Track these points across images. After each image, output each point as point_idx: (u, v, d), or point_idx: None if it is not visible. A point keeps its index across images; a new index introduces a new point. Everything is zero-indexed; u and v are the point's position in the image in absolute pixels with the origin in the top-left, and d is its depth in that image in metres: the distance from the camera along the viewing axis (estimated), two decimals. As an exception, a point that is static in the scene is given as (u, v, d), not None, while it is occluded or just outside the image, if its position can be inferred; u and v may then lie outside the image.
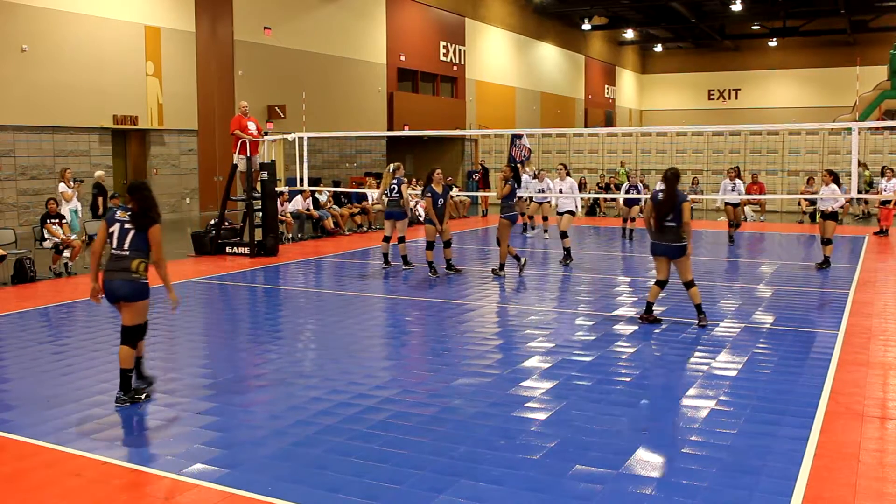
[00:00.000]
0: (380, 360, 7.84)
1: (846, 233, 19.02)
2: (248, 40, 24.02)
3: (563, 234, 14.07)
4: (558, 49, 43.97)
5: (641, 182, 18.91)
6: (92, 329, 8.96)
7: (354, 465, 5.06)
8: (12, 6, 17.97)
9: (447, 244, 12.70)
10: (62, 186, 14.85)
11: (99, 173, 17.89)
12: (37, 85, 18.50)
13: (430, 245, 12.53)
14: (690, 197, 10.00)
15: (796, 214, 23.71)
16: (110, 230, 6.32)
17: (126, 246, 6.25)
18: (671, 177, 8.77)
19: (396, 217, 13.34)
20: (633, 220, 18.03)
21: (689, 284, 8.95)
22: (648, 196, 10.95)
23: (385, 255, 13.43)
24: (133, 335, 6.26)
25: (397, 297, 11.13)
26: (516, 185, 12.48)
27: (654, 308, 9.17)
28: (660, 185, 9.16)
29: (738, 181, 16.39)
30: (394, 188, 13.26)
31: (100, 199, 17.34)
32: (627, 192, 18.15)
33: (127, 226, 6.28)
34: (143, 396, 6.35)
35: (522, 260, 12.80)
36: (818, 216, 13.46)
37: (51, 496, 4.73)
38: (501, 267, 12.54)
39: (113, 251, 6.29)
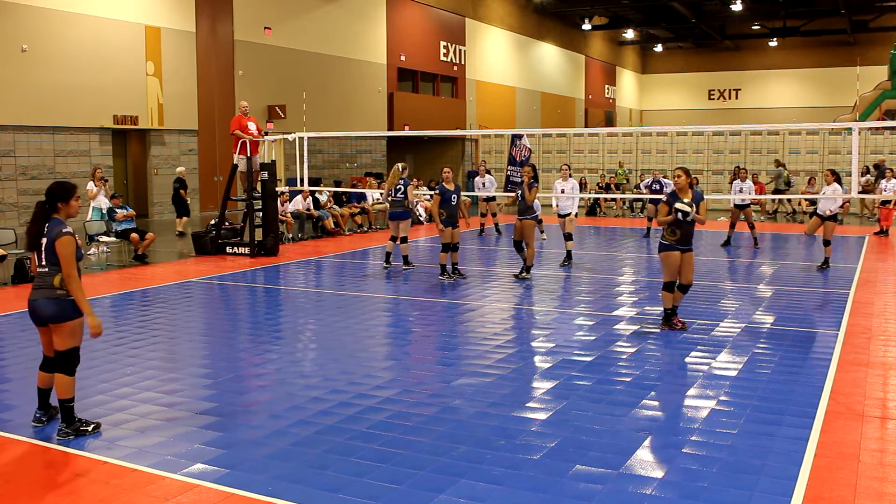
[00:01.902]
0: (380, 360, 7.84)
1: (848, 233, 19.02)
2: (248, 40, 24.01)
3: (569, 237, 14.05)
4: (558, 49, 43.96)
5: (664, 177, 18.93)
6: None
7: (354, 465, 5.06)
8: (12, 6, 17.96)
9: (454, 248, 12.27)
10: (90, 185, 14.91)
11: (181, 168, 18.06)
12: (37, 85, 18.49)
13: (445, 247, 12.18)
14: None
15: (796, 214, 23.72)
16: None
17: (44, 261, 5.55)
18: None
19: (400, 217, 13.33)
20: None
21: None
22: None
23: (388, 255, 13.44)
24: (69, 361, 5.57)
25: (398, 297, 11.13)
26: (535, 185, 12.32)
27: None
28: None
29: (747, 182, 16.25)
30: (399, 188, 13.25)
31: (182, 192, 17.45)
32: (650, 187, 18.16)
33: (42, 239, 5.55)
34: (90, 428, 5.64)
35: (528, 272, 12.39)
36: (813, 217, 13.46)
37: (51, 496, 4.73)
38: (528, 269, 12.25)
39: (37, 267, 5.62)
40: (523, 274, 12.27)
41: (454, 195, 12.21)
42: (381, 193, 15.25)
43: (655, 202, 18.12)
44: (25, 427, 5.80)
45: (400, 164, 13.62)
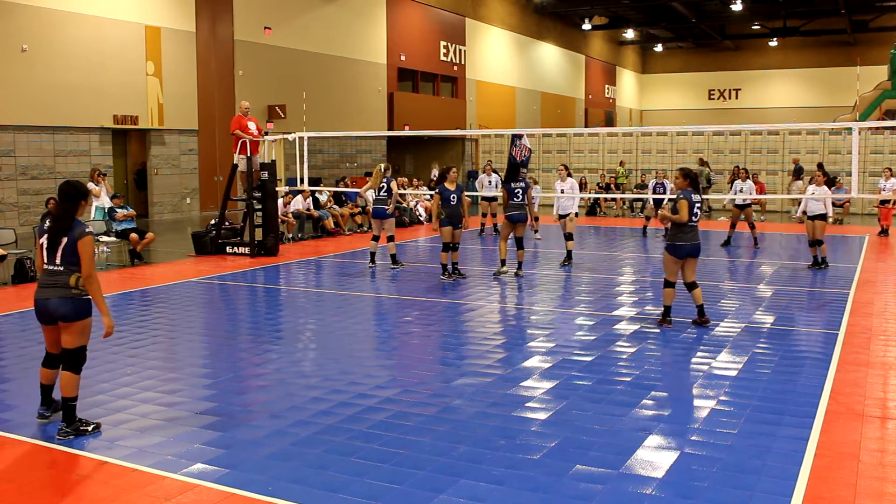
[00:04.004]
0: (380, 360, 7.84)
1: (848, 233, 19.02)
2: (248, 40, 24.01)
3: (569, 237, 14.05)
4: (558, 49, 43.95)
5: (665, 177, 18.97)
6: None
7: (354, 465, 5.06)
8: (12, 6, 17.96)
9: (454, 247, 12.19)
10: (91, 185, 14.95)
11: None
12: (37, 85, 18.49)
13: (445, 247, 12.12)
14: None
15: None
16: (41, 242, 5.58)
17: (58, 260, 5.51)
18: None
19: (384, 216, 13.38)
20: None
21: (691, 286, 8.97)
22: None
23: (372, 255, 13.56)
24: (77, 359, 5.58)
25: (398, 297, 11.13)
26: (512, 185, 12.44)
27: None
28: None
29: (747, 182, 16.26)
30: (383, 187, 13.32)
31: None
32: (654, 189, 18.22)
33: (62, 238, 5.53)
34: (90, 428, 5.62)
35: (503, 268, 12.46)
36: (805, 217, 13.48)
37: (51, 496, 4.73)
38: (503, 263, 12.48)
39: (46, 266, 5.57)
40: (517, 271, 12.39)
41: (454, 195, 12.18)
42: (361, 190, 15.34)
43: (657, 203, 18.15)
44: (26, 427, 5.80)
45: (383, 165, 13.75)
